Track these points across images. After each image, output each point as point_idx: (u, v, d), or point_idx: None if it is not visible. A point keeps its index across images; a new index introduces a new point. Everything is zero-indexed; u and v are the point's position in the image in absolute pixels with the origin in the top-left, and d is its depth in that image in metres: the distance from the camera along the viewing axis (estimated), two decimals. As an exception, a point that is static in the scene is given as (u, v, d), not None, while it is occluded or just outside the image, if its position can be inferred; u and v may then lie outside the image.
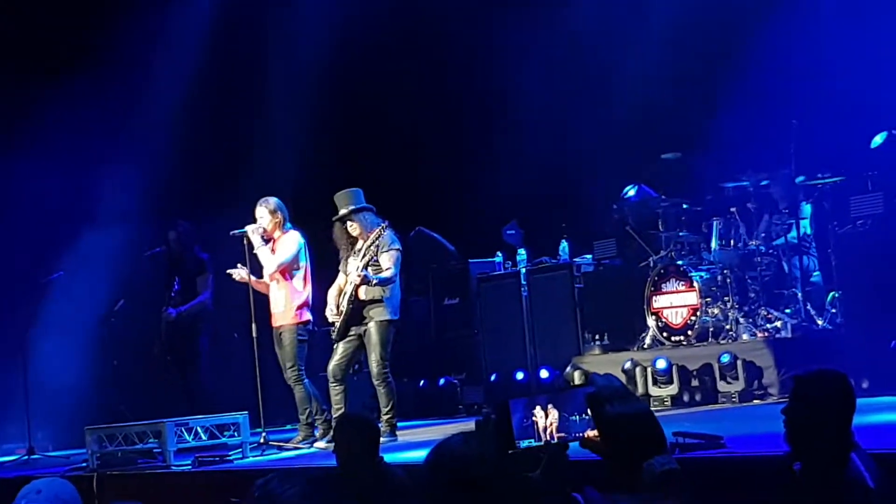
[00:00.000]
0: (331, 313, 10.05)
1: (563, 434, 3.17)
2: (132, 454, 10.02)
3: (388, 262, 9.90)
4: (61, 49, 13.93)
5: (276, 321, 10.27)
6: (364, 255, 9.85)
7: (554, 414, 3.19)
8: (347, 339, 10.01)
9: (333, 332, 10.06)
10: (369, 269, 9.85)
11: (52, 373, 13.08)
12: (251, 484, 3.44)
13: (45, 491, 4.34)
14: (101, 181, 13.77)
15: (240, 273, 10.27)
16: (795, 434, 4.50)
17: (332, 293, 10.12)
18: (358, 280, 9.79)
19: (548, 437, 3.19)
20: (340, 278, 10.12)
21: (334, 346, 10.10)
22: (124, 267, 13.39)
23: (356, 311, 9.92)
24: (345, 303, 9.91)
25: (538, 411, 3.18)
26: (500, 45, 13.33)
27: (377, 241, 9.87)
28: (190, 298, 12.21)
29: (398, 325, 10.08)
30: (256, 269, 10.35)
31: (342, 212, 10.04)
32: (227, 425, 10.02)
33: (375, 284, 9.83)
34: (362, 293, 9.88)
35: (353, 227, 10.00)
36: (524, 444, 3.20)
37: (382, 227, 9.89)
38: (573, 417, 3.14)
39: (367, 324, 9.93)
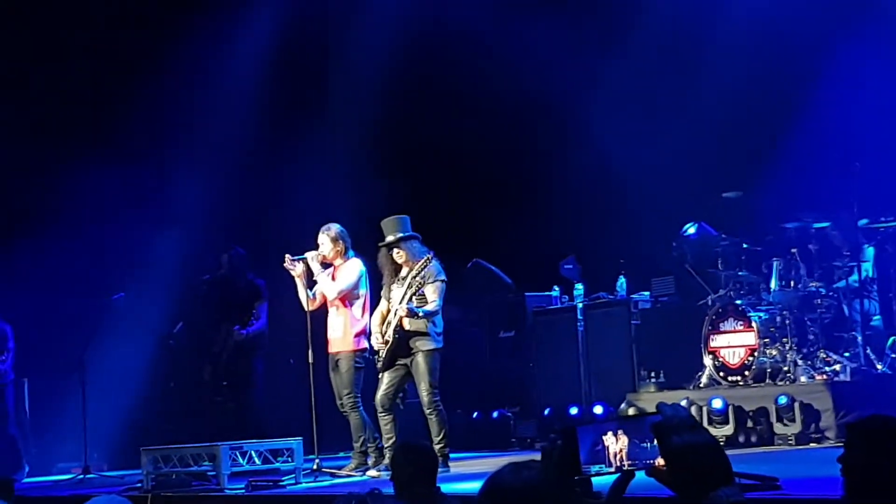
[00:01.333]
0: (376, 341, 10.06)
1: (632, 460, 3.16)
2: (186, 476, 10.07)
3: (433, 294, 9.90)
4: (125, 76, 14.09)
5: (334, 347, 10.30)
6: (410, 286, 9.85)
7: (623, 440, 3.18)
8: (394, 368, 10.02)
9: (378, 360, 10.07)
10: (414, 300, 9.85)
11: (110, 393, 13.18)
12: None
13: (105, 507, 4.37)
14: (165, 204, 13.90)
15: (295, 264, 10.20)
16: (851, 482, 4.45)
17: (375, 320, 10.14)
18: (404, 312, 9.80)
19: (618, 463, 3.17)
20: (383, 305, 10.13)
21: (379, 376, 10.10)
22: (184, 290, 13.48)
23: (402, 342, 9.92)
24: (390, 332, 9.92)
25: (609, 437, 3.17)
26: (564, 78, 13.33)
27: (423, 272, 9.86)
28: (245, 323, 12.27)
29: (443, 351, 10.08)
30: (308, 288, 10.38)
31: (389, 238, 10.06)
32: (280, 450, 10.05)
33: (421, 317, 9.84)
34: (407, 324, 9.89)
35: (400, 255, 10.02)
36: (594, 469, 3.19)
37: (428, 258, 9.88)
38: (643, 444, 3.12)
39: (413, 354, 9.93)
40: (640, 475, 3.21)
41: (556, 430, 3.29)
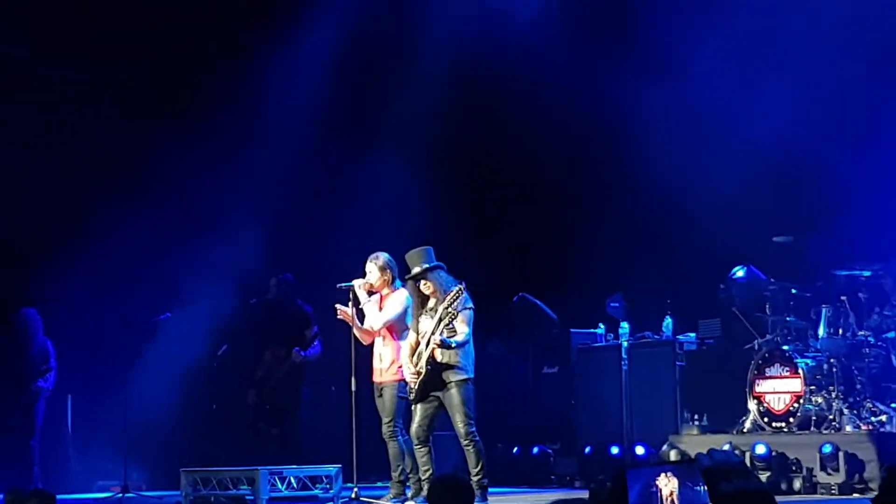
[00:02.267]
0: (408, 373, 10.02)
1: None
2: (225, 499, 10.05)
3: (463, 324, 9.85)
4: (178, 102, 14.20)
5: (378, 377, 10.30)
6: (442, 317, 9.80)
7: (674, 483, 3.15)
8: (427, 400, 9.99)
9: (411, 393, 10.03)
10: (445, 331, 9.80)
11: (152, 412, 13.23)
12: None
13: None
14: (213, 226, 13.97)
15: (346, 310, 10.28)
16: None
17: (404, 352, 10.09)
18: (437, 343, 9.77)
19: (669, 505, 3.15)
20: (411, 337, 10.08)
21: (413, 408, 10.07)
22: (230, 313, 13.53)
23: (434, 374, 9.87)
24: (422, 364, 9.88)
25: (661, 479, 3.15)
26: (616, 113, 13.33)
27: (456, 303, 9.82)
28: (305, 345, 12.32)
29: (481, 383, 10.04)
30: (357, 318, 10.40)
31: (415, 270, 10.03)
32: (319, 477, 10.04)
33: (453, 348, 9.81)
34: (439, 355, 9.85)
35: (427, 286, 9.98)
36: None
37: (461, 289, 9.82)
38: (696, 488, 3.09)
39: (446, 387, 9.89)
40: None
41: (606, 471, 3.28)
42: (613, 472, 3.11)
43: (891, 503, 4.47)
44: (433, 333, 9.74)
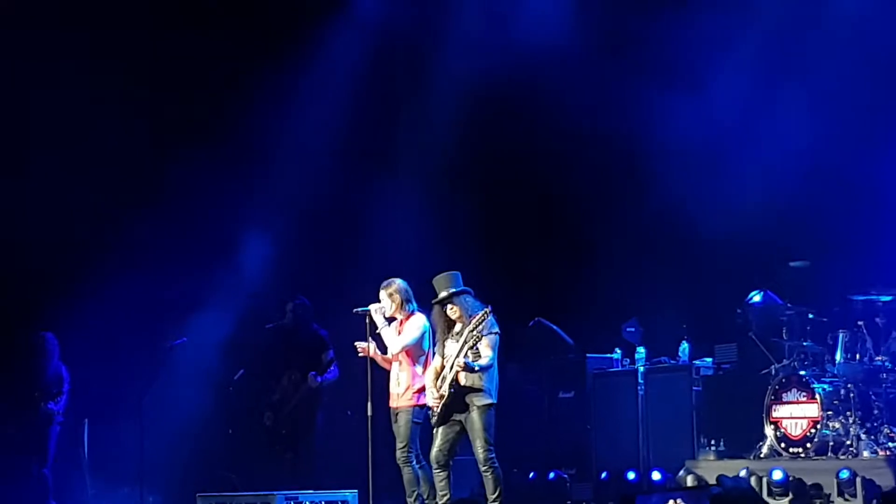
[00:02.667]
0: (430, 397, 10.02)
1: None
2: (241, 524, 10.08)
3: (487, 348, 9.86)
4: (192, 118, 14.25)
5: (393, 402, 10.29)
6: (467, 340, 9.82)
7: (685, 512, 3.15)
8: (449, 424, 9.98)
9: (433, 416, 10.03)
10: (470, 355, 9.81)
11: (168, 437, 13.24)
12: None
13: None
14: (229, 250, 14.00)
15: (366, 346, 10.31)
16: None
17: (429, 376, 10.09)
18: (461, 367, 9.77)
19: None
20: (437, 361, 10.09)
21: (434, 432, 10.06)
22: (246, 338, 13.55)
23: (457, 397, 9.88)
24: (445, 387, 9.88)
25: (671, 504, 3.14)
26: (633, 138, 13.34)
27: (479, 327, 9.83)
28: (322, 370, 12.32)
29: (499, 407, 10.03)
30: (378, 347, 10.42)
31: (442, 295, 10.06)
32: (335, 502, 10.03)
33: (477, 371, 9.81)
34: (463, 379, 9.85)
35: (454, 311, 10.00)
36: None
37: (486, 312, 9.85)
38: (706, 517, 3.08)
39: (468, 410, 9.89)
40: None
41: (618, 497, 3.27)
42: (623, 498, 3.09)
43: None
44: (457, 356, 9.75)
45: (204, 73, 14.39)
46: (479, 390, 9.83)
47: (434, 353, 10.21)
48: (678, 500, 2.81)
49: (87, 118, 13.94)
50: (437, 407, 9.92)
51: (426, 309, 10.37)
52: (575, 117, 13.82)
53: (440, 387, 9.91)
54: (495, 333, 9.94)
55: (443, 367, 9.96)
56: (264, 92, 14.25)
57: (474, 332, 9.77)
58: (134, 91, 14.12)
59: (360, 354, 10.40)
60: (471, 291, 10.07)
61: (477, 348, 9.81)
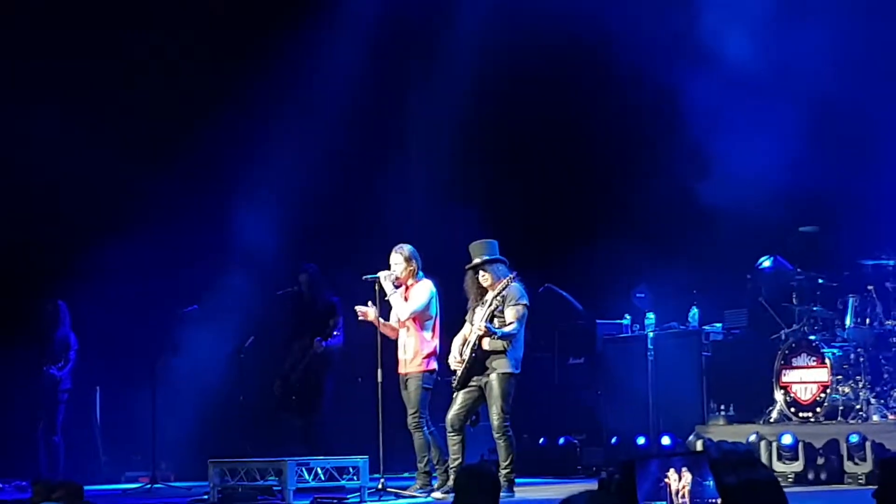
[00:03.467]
0: (454, 360, 10.07)
1: (695, 500, 3.12)
2: (252, 490, 10.13)
3: (512, 316, 9.88)
4: (206, 90, 14.25)
5: (403, 368, 10.33)
6: (490, 305, 9.85)
7: (687, 477, 3.14)
8: (468, 388, 10.02)
9: (454, 380, 10.08)
10: (494, 321, 9.84)
11: (180, 404, 13.29)
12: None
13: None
14: (241, 219, 14.01)
15: (367, 311, 10.33)
16: None
17: (456, 341, 10.15)
18: (481, 331, 9.80)
19: (679, 501, 3.14)
20: (466, 328, 10.14)
21: (454, 395, 10.11)
22: (257, 305, 13.58)
23: (478, 362, 9.92)
24: (467, 352, 9.92)
25: (672, 474, 3.14)
26: (641, 106, 13.30)
27: (504, 293, 9.86)
28: (327, 335, 12.32)
29: (519, 377, 10.06)
30: (385, 315, 10.44)
31: (475, 261, 10.08)
32: (346, 468, 10.07)
33: (498, 338, 9.83)
34: (485, 344, 9.89)
35: (485, 278, 10.03)
36: (655, 504, 3.16)
37: (510, 278, 9.87)
38: (707, 482, 3.08)
39: (488, 375, 9.92)
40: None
41: (615, 463, 3.28)
42: (622, 465, 3.09)
43: (890, 497, 4.55)
44: (482, 321, 9.78)
45: (219, 40, 14.38)
46: (501, 355, 9.86)
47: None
48: (683, 469, 2.82)
49: (97, 83, 13.96)
50: (460, 371, 9.96)
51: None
52: (583, 89, 13.79)
53: (463, 352, 9.96)
54: (523, 304, 9.95)
55: (470, 333, 10.00)
56: (277, 60, 14.22)
57: (496, 298, 9.80)
58: (146, 57, 14.14)
59: (360, 318, 10.41)
60: (505, 261, 10.09)
61: (502, 314, 9.83)
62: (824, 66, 12.21)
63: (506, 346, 9.86)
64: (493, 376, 9.88)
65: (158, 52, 14.31)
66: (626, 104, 13.58)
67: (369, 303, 10.37)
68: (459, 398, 10.04)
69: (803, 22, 12.37)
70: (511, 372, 9.92)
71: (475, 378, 9.98)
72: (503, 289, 9.84)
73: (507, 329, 9.85)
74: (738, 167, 12.47)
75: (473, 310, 10.09)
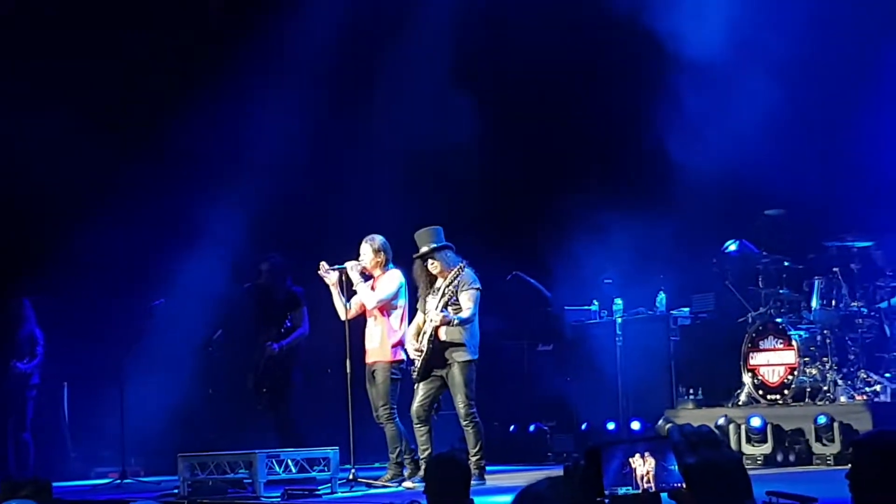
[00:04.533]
0: (411, 349, 10.07)
1: (660, 484, 3.11)
2: (223, 483, 10.09)
3: (467, 301, 9.89)
4: (169, 84, 14.18)
5: (370, 357, 10.32)
6: (444, 294, 9.84)
7: (651, 462, 3.14)
8: (429, 379, 10.02)
9: (414, 371, 10.07)
10: (449, 308, 9.83)
11: (148, 399, 13.24)
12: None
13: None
14: (205, 211, 13.95)
15: (331, 273, 10.27)
16: (859, 497, 4.60)
17: (410, 332, 10.14)
18: (438, 321, 9.79)
19: (645, 486, 3.13)
20: (419, 317, 10.13)
21: (415, 387, 10.11)
22: (224, 297, 13.53)
23: (437, 352, 9.92)
24: (425, 342, 9.91)
25: (636, 459, 3.13)
26: (608, 91, 13.32)
27: (456, 281, 9.85)
28: (285, 332, 12.24)
29: (478, 362, 10.07)
30: (347, 302, 10.41)
31: (423, 250, 10.07)
32: (317, 459, 10.05)
33: (456, 325, 9.83)
34: (443, 334, 9.89)
35: (434, 266, 10.02)
36: (622, 491, 3.15)
37: (461, 267, 9.88)
38: (671, 466, 3.08)
39: (449, 366, 9.92)
40: (664, 497, 3.18)
41: (579, 450, 3.28)
42: (588, 452, 3.08)
43: (863, 477, 4.60)
44: (436, 310, 9.78)
45: (187, 31, 14.31)
46: (459, 345, 9.87)
47: (410, 309, 10.24)
48: (646, 454, 2.82)
49: (65, 77, 13.87)
50: (418, 362, 9.95)
51: (401, 266, 10.38)
52: (554, 74, 13.79)
53: (420, 341, 9.95)
54: (476, 289, 9.96)
55: (424, 322, 10.00)
56: (242, 48, 14.13)
57: (450, 287, 9.80)
58: (113, 48, 14.06)
59: (319, 272, 10.33)
60: (452, 247, 10.08)
61: (456, 301, 9.84)
62: (789, 48, 12.25)
63: (462, 333, 9.86)
64: (455, 367, 9.89)
65: (125, 41, 14.21)
66: (593, 89, 13.58)
67: (338, 288, 10.31)
68: (421, 389, 10.04)
69: (770, 1, 12.42)
70: (470, 359, 9.93)
71: (435, 370, 9.98)
72: (455, 277, 9.83)
73: (463, 315, 9.85)
74: (703, 151, 12.51)
75: (424, 298, 10.08)
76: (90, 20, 14.03)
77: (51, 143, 13.62)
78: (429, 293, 10.05)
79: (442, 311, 9.77)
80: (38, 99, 13.62)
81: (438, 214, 11.53)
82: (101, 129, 14.05)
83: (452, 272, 9.85)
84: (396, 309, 10.25)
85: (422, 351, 9.92)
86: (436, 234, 10.11)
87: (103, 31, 14.07)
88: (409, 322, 10.34)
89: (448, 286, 9.82)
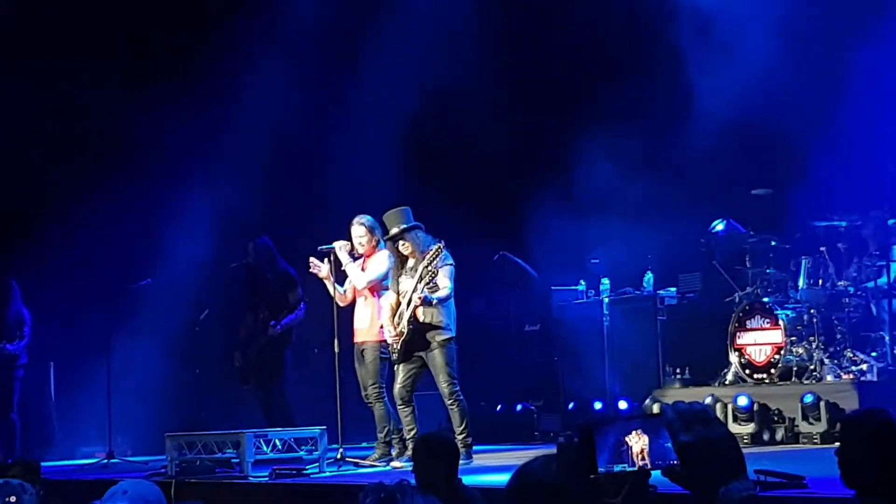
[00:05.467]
0: (388, 334, 10.04)
1: (654, 461, 3.13)
2: (210, 463, 10.10)
3: (444, 279, 9.87)
4: (157, 62, 14.13)
5: (359, 337, 10.31)
6: (423, 276, 9.80)
7: (644, 439, 3.15)
8: (410, 361, 10.01)
9: (393, 353, 10.05)
10: (426, 289, 9.80)
11: (135, 379, 13.23)
12: (326, 499, 3.44)
13: (132, 491, 4.39)
14: (193, 191, 13.92)
15: (321, 266, 10.27)
16: (847, 472, 4.75)
17: (384, 313, 10.11)
18: (418, 302, 9.77)
19: (640, 463, 3.14)
20: (391, 297, 10.10)
21: (395, 369, 10.11)
22: (211, 277, 13.51)
23: (416, 334, 9.90)
24: (403, 324, 9.89)
25: (632, 436, 3.14)
26: (588, 65, 13.32)
27: (437, 261, 9.83)
28: (276, 312, 12.21)
29: (465, 342, 10.07)
30: (340, 283, 10.41)
31: (393, 231, 10.03)
32: (305, 439, 10.06)
33: (436, 305, 9.82)
34: (421, 315, 9.87)
35: (405, 246, 9.99)
36: (618, 468, 3.16)
37: (440, 247, 9.84)
38: (666, 444, 3.09)
39: (429, 347, 9.91)
40: (657, 474, 3.19)
41: (575, 426, 3.28)
42: (580, 428, 3.10)
43: (851, 455, 4.69)
44: (414, 292, 9.76)
45: (168, 13, 14.26)
46: (438, 326, 9.87)
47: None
48: (640, 431, 2.83)
49: (47, 61, 13.81)
50: (397, 344, 9.93)
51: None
52: (536, 43, 13.77)
53: (398, 324, 9.93)
54: (450, 265, 9.95)
55: (399, 304, 9.97)
56: (226, 27, 14.09)
57: (429, 268, 9.77)
58: (97, 36, 14.00)
59: (311, 270, 10.35)
60: (421, 226, 10.05)
61: (434, 283, 9.82)
62: (777, 24, 12.25)
63: (441, 311, 9.84)
64: (436, 348, 9.88)
65: (110, 16, 14.15)
66: (576, 72, 13.57)
67: (325, 260, 10.31)
68: (402, 371, 10.04)
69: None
70: (450, 337, 9.92)
71: (416, 351, 9.97)
72: (433, 258, 9.80)
73: (441, 294, 9.83)
74: (691, 130, 12.52)
75: (397, 279, 10.05)
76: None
77: (36, 121, 13.57)
78: (401, 274, 10.02)
79: (422, 293, 9.74)
80: (19, 77, 13.57)
81: (424, 194, 11.53)
82: (86, 108, 14.00)
83: (431, 252, 9.81)
84: (386, 289, 10.24)
85: (401, 333, 9.90)
86: (405, 214, 10.08)
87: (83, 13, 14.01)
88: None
89: (427, 267, 9.78)
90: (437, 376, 9.93)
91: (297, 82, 14.38)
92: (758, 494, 3.02)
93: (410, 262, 9.97)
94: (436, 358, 9.88)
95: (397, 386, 10.04)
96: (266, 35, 14.36)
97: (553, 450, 3.46)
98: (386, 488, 3.97)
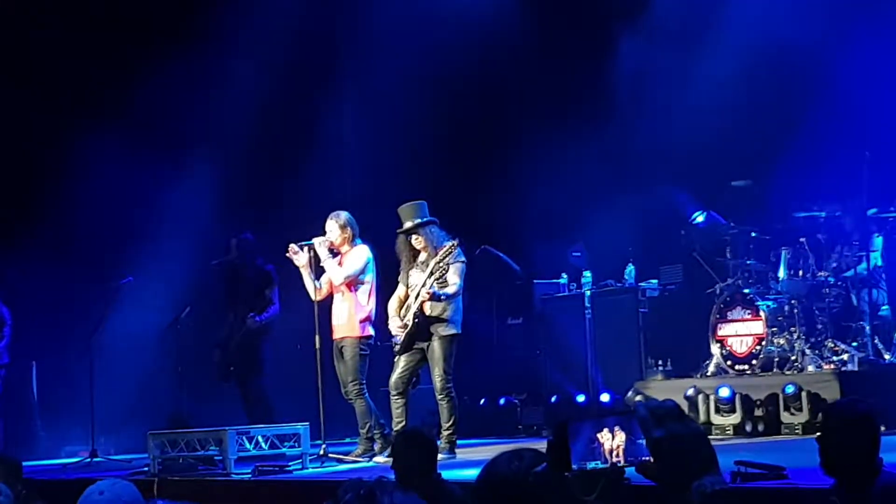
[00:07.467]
0: (394, 326, 10.05)
1: (629, 458, 3.15)
2: (193, 460, 10.07)
3: (454, 276, 9.88)
4: (134, 57, 14.08)
5: (338, 333, 10.30)
6: (434, 271, 9.82)
7: (620, 437, 3.17)
8: (411, 352, 10.02)
9: (396, 344, 10.06)
10: (436, 285, 9.82)
11: (118, 377, 13.19)
12: (309, 495, 3.44)
13: (108, 492, 4.37)
14: (173, 189, 13.90)
15: (300, 253, 10.25)
16: (827, 459, 4.92)
17: (392, 305, 10.13)
18: (426, 297, 9.79)
19: (613, 460, 3.17)
20: (401, 289, 10.12)
21: (396, 359, 10.11)
22: (192, 274, 13.48)
23: (421, 326, 9.92)
24: (410, 316, 9.92)
25: (605, 433, 3.16)
26: (577, 66, 13.32)
27: (447, 258, 9.83)
28: (256, 308, 12.20)
29: (461, 338, 10.08)
30: (315, 277, 10.39)
31: (407, 225, 10.04)
32: (287, 436, 10.04)
33: (444, 300, 9.83)
34: (428, 308, 9.89)
35: (418, 241, 10.01)
36: (591, 465, 3.18)
37: (454, 245, 9.86)
38: (640, 441, 3.11)
39: (432, 339, 9.93)
40: (631, 471, 3.21)
41: (549, 426, 3.30)
42: (556, 427, 3.12)
43: (832, 444, 4.80)
44: (423, 286, 9.76)
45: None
46: (444, 320, 9.87)
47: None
48: (616, 428, 2.85)
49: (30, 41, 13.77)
50: (401, 336, 9.95)
51: (369, 241, 10.36)
52: (515, 41, 13.76)
53: (404, 316, 9.95)
54: (462, 262, 9.96)
55: (407, 296, 9.98)
56: (203, 19, 14.03)
57: (441, 264, 9.78)
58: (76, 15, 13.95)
59: (288, 255, 10.33)
60: (436, 221, 10.07)
61: (444, 279, 9.83)
62: (756, 17, 12.28)
63: (448, 307, 9.86)
64: (436, 340, 9.89)
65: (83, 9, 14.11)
66: (559, 65, 13.57)
67: (305, 249, 10.29)
68: (402, 361, 10.04)
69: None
70: (454, 332, 9.94)
71: (418, 343, 9.98)
72: (447, 254, 9.81)
73: (450, 290, 9.84)
74: (670, 122, 12.55)
75: (407, 272, 10.06)
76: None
77: (15, 117, 13.52)
78: (412, 267, 10.03)
79: (431, 289, 9.75)
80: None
81: (405, 188, 11.51)
82: (66, 104, 13.96)
83: (445, 248, 9.82)
84: (364, 284, 10.23)
85: (406, 325, 9.92)
86: (420, 209, 10.09)
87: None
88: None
89: (439, 263, 9.79)
90: (433, 369, 9.94)
91: (277, 70, 14.33)
92: (730, 487, 3.05)
93: (422, 256, 9.99)
94: (435, 350, 9.89)
95: (395, 376, 10.04)
96: (244, 27, 14.33)
97: (531, 443, 3.48)
98: (365, 484, 3.97)
